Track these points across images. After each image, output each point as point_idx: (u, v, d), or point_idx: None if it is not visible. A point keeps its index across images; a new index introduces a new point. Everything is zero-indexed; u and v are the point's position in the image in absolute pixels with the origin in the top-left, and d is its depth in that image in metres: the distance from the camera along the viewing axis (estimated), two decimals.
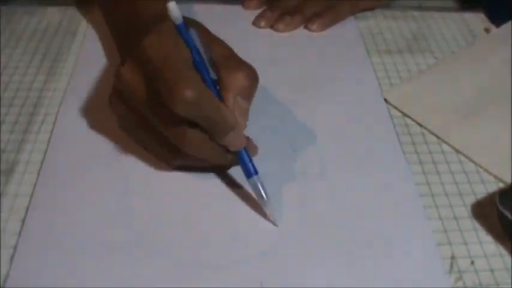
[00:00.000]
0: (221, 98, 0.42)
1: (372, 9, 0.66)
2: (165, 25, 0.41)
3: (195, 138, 0.41)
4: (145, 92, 0.41)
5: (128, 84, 0.41)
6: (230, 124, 0.41)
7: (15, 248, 0.39)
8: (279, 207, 0.43)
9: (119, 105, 0.44)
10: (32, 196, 0.43)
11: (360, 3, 0.65)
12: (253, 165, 0.42)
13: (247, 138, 0.44)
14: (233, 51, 0.44)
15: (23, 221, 0.41)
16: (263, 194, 0.42)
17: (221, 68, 0.42)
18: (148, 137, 0.44)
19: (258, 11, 0.64)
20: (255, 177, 0.42)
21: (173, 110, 0.38)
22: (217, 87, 0.42)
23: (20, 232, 0.40)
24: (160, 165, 0.46)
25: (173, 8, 0.40)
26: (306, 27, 0.62)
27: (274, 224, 0.42)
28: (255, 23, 0.63)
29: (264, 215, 0.42)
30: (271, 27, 0.62)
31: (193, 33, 0.42)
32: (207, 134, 0.41)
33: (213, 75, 0.42)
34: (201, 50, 0.42)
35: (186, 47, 0.41)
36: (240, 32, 0.61)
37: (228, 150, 0.42)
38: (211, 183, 0.45)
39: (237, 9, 0.65)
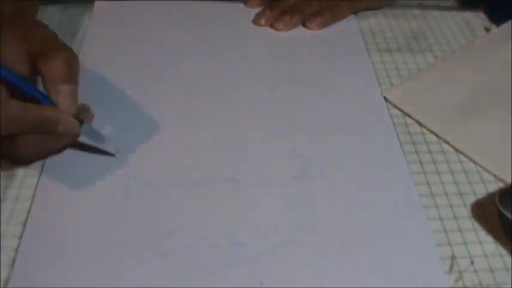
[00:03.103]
0: (36, 92, 0.43)
1: (377, 8, 0.66)
2: None
3: (27, 143, 0.43)
4: None
5: None
6: (54, 120, 0.42)
7: (16, 251, 0.40)
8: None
9: None
10: (32, 199, 0.43)
11: (361, 3, 0.65)
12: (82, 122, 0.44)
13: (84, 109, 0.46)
14: (49, 36, 0.45)
15: (24, 224, 0.41)
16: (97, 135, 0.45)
17: (38, 58, 0.43)
18: None
19: (259, 9, 0.64)
20: (85, 126, 0.45)
21: None
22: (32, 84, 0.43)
23: (20, 235, 0.40)
24: (159, 167, 0.46)
25: None
26: (305, 25, 0.62)
27: (111, 154, 0.46)
28: (255, 21, 0.63)
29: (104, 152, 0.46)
30: (271, 26, 0.62)
31: None
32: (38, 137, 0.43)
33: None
34: None
35: None
36: (241, 31, 0.61)
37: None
38: (211, 184, 0.45)
39: (238, 7, 0.65)
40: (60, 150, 0.46)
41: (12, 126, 0.40)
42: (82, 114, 0.45)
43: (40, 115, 0.41)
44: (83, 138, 0.46)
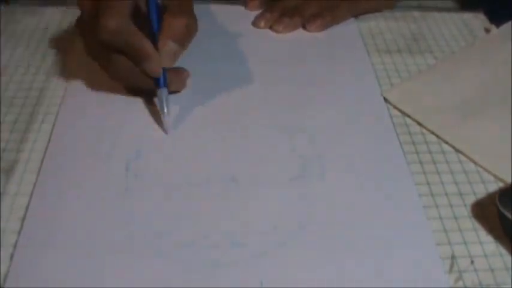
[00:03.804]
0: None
1: (377, 11, 0.66)
2: None
3: (119, 64, 0.48)
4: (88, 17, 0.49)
5: (80, 7, 0.50)
6: (146, 53, 0.47)
7: (14, 246, 0.39)
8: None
9: (80, 29, 0.53)
10: (31, 195, 0.43)
11: (360, 5, 0.65)
12: (165, 81, 0.49)
13: (182, 72, 0.52)
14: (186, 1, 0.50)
15: (23, 220, 0.41)
16: (164, 105, 0.48)
17: (166, 11, 0.49)
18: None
19: (259, 12, 0.64)
20: (161, 89, 0.49)
21: (98, 36, 0.46)
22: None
23: (19, 231, 0.40)
24: (159, 166, 0.46)
25: None
26: (304, 28, 0.62)
27: (165, 131, 0.49)
28: (255, 23, 0.63)
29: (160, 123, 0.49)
30: (271, 28, 0.62)
31: None
32: (131, 61, 0.48)
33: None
34: None
35: None
36: (241, 32, 0.61)
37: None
38: (211, 184, 0.45)
39: (238, 9, 0.65)
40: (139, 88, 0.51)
41: (115, 37, 0.46)
42: (176, 75, 0.51)
43: (138, 41, 0.47)
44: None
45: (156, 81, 0.49)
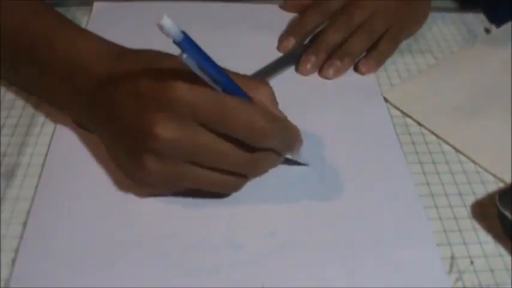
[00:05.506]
0: None
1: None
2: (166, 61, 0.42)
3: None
4: None
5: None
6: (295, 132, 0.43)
7: (16, 251, 0.40)
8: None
9: None
10: (33, 199, 0.43)
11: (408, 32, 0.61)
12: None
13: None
14: (236, 74, 0.42)
15: (24, 224, 0.41)
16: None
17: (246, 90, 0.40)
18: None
19: (263, 11, 0.63)
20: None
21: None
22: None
23: (21, 235, 0.40)
24: None
25: (168, 25, 0.34)
26: (356, 70, 0.57)
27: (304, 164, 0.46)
28: (299, 69, 0.56)
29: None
30: (320, 72, 0.56)
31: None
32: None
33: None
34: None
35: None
36: (241, 30, 0.61)
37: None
38: None
39: (241, 7, 0.64)
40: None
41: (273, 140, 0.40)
42: None
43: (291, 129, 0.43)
44: None
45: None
